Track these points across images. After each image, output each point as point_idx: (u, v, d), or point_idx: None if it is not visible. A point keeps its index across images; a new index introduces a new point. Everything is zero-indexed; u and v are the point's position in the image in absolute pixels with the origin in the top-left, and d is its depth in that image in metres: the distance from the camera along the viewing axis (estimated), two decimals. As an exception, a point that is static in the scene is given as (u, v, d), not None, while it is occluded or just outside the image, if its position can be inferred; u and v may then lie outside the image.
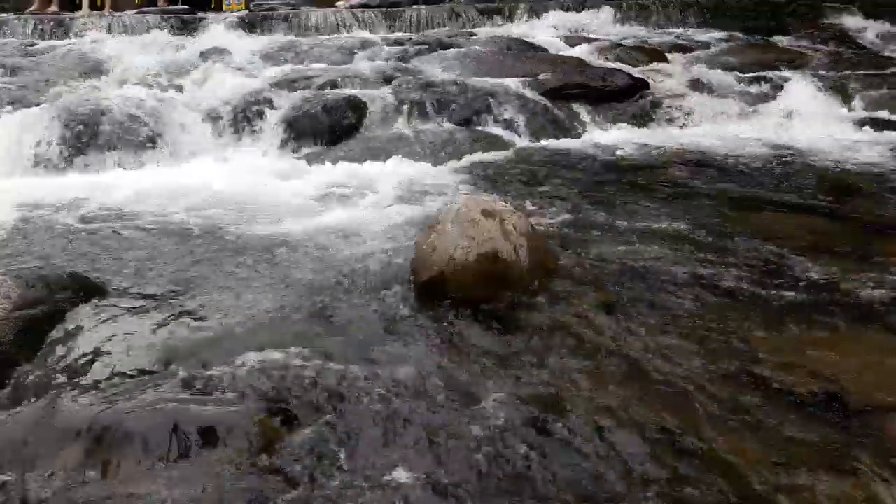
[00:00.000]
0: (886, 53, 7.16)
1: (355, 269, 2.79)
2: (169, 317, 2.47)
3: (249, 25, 8.19)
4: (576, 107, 5.48)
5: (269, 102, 5.06)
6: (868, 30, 8.39)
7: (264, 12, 8.76)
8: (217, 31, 7.96)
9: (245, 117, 4.95)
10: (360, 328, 2.38)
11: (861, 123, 5.26)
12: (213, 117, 4.87)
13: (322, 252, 3.00)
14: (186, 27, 8.18)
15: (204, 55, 6.59)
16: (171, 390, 2.02)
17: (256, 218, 3.39)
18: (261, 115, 4.95)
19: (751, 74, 6.16)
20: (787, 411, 1.90)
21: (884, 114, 5.52)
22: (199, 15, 8.74)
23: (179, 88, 5.41)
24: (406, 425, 1.90)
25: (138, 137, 4.53)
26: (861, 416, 1.86)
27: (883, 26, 8.46)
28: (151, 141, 4.54)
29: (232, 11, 10.06)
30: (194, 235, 3.21)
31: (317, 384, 2.05)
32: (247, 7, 10.42)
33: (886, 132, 5.04)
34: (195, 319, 2.46)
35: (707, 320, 2.39)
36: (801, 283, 2.63)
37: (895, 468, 1.66)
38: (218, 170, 4.21)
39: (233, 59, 6.54)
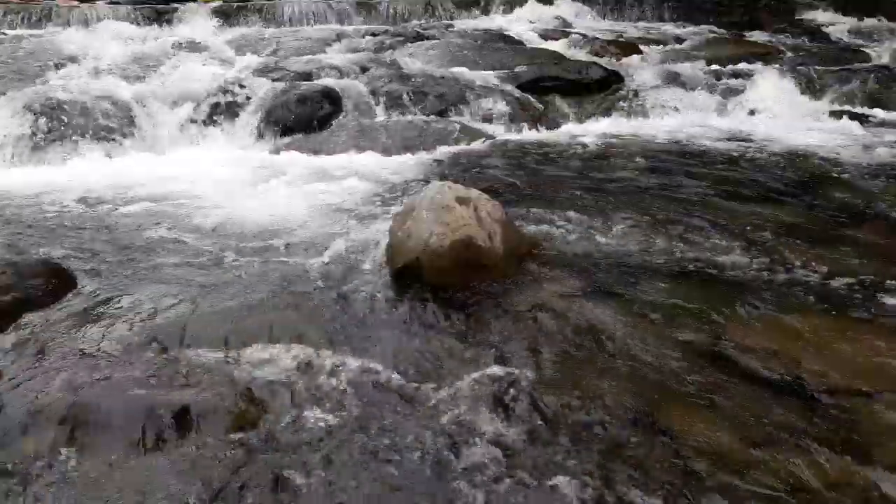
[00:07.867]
0: (855, 48, 7.29)
1: (330, 257, 2.80)
2: (145, 307, 2.47)
3: (224, 15, 8.14)
4: (552, 99, 5.51)
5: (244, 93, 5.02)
6: (839, 25, 8.54)
7: (239, 3, 8.67)
8: (190, 21, 7.90)
9: (219, 108, 4.92)
10: (336, 316, 2.39)
11: (829, 116, 5.35)
12: (186, 108, 4.81)
13: (297, 242, 3.00)
14: (160, 17, 8.10)
15: (176, 46, 6.51)
16: (145, 376, 2.03)
17: (230, 210, 3.37)
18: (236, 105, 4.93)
19: (723, 68, 6.24)
20: (751, 392, 1.95)
21: (851, 107, 5.65)
22: (173, 5, 8.63)
23: (151, 79, 5.36)
24: (376, 410, 1.92)
25: (109, 128, 4.48)
26: (821, 399, 1.91)
27: (854, 21, 8.62)
28: (122, 133, 4.49)
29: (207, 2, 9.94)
30: (170, 228, 3.19)
31: (289, 371, 2.07)
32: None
33: (853, 124, 5.13)
34: (170, 310, 2.45)
35: (677, 306, 2.43)
36: (766, 269, 2.69)
37: (847, 447, 1.72)
38: (193, 161, 4.19)
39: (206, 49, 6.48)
